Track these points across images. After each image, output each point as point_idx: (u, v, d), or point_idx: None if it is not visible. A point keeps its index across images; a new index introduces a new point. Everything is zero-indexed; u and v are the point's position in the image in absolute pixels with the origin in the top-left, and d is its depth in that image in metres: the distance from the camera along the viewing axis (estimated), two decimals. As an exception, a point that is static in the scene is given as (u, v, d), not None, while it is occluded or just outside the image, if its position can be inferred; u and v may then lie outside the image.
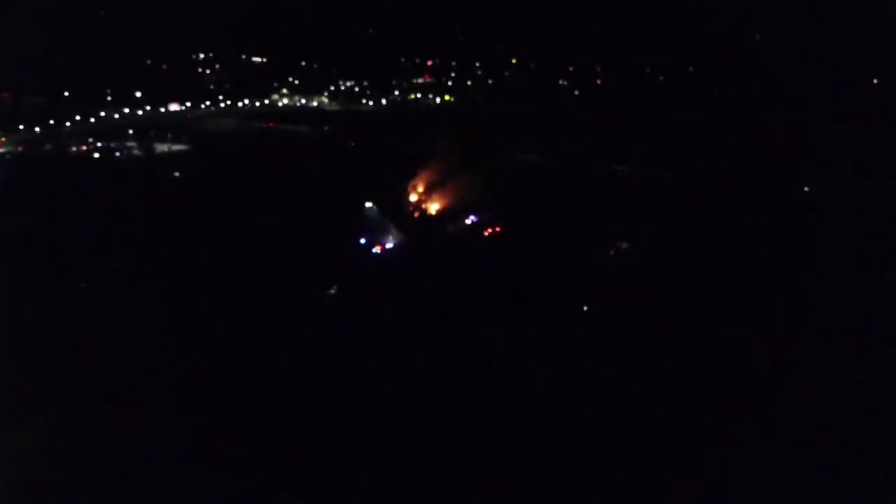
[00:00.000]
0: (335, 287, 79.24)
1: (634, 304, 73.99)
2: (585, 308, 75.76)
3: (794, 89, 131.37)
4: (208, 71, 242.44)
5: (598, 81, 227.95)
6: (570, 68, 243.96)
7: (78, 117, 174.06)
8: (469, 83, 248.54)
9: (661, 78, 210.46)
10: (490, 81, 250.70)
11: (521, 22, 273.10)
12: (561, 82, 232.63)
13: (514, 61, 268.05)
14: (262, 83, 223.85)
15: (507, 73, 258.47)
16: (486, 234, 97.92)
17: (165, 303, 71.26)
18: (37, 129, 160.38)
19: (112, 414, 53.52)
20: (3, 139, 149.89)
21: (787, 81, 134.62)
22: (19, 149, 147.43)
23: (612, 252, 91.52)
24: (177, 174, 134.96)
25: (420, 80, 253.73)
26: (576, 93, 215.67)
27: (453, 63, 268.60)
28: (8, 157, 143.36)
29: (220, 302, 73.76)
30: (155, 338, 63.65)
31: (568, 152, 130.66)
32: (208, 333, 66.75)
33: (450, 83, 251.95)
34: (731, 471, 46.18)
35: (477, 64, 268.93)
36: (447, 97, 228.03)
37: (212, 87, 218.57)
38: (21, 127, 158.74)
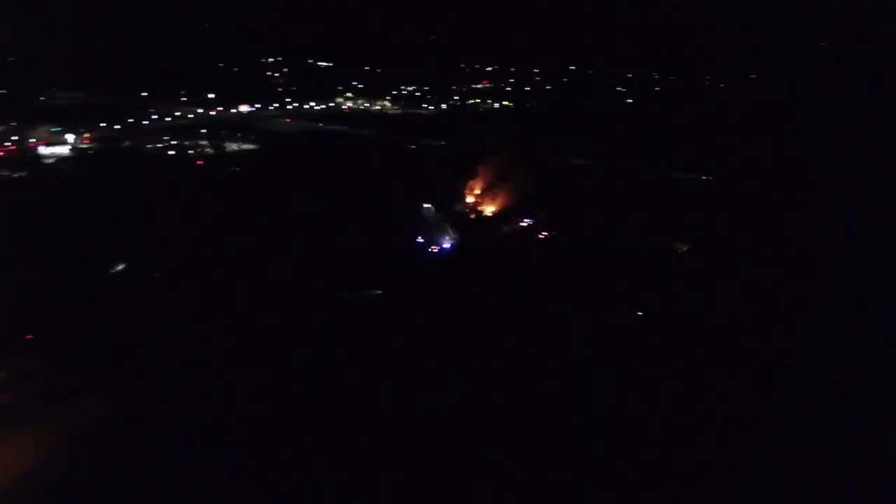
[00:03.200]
0: (379, 288, 78.47)
1: (691, 310, 73.75)
2: (640, 313, 75.58)
3: (857, 97, 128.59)
4: (277, 74, 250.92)
5: (656, 88, 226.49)
6: (629, 75, 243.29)
7: (155, 116, 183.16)
8: (527, 89, 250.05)
9: (721, 86, 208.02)
10: (548, 87, 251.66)
11: (581, 30, 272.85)
12: (618, 88, 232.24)
13: (572, 68, 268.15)
14: (328, 87, 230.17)
15: (565, 80, 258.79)
16: (541, 236, 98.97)
17: (222, 295, 74.70)
18: (117, 126, 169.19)
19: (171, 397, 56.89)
20: (87, 136, 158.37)
21: (851, 90, 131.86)
22: (100, 145, 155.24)
23: (669, 255, 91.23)
24: (237, 169, 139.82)
25: (479, 86, 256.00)
26: (629, 101, 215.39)
27: (512, 69, 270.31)
28: (91, 152, 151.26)
29: (267, 297, 74.95)
30: (210, 328, 67.04)
31: (623, 157, 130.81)
32: (251, 325, 68.11)
33: (508, 89, 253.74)
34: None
35: (535, 70, 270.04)
36: (505, 102, 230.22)
37: (280, 89, 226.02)
38: (103, 125, 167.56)
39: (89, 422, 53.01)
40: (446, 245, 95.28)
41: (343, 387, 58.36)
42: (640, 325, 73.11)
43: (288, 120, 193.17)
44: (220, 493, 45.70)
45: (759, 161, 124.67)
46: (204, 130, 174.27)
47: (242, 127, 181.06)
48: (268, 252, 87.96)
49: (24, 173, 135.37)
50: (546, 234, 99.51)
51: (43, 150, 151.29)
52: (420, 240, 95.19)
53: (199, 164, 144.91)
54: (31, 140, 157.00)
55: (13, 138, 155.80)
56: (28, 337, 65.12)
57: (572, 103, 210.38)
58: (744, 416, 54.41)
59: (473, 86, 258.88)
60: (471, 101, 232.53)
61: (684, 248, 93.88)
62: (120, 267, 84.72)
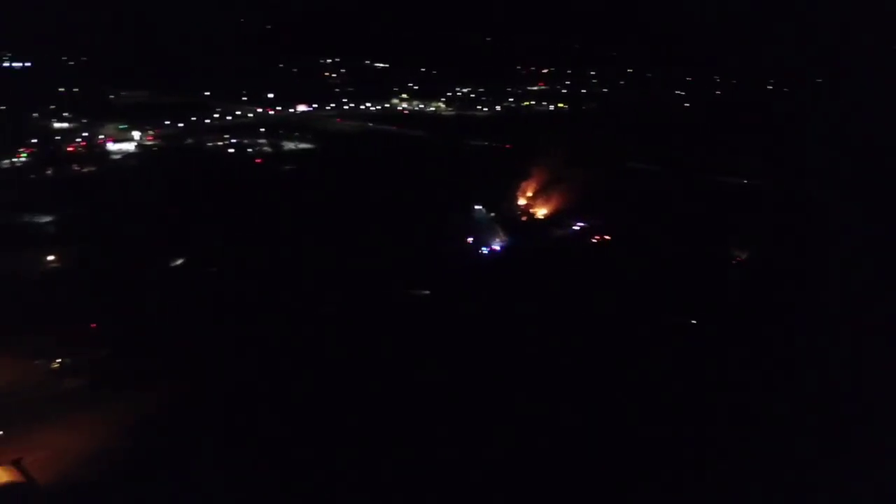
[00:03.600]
0: (428, 289, 78.52)
1: (748, 319, 71.62)
2: (693, 322, 73.62)
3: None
4: (334, 75, 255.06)
5: (717, 92, 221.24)
6: (689, 78, 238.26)
7: (216, 115, 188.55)
8: (583, 91, 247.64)
9: (785, 90, 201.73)
10: (604, 90, 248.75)
11: (638, 32, 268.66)
12: (677, 92, 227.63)
13: (629, 70, 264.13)
14: (384, 88, 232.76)
15: (621, 83, 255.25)
16: (594, 240, 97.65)
17: (275, 291, 75.91)
18: (180, 125, 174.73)
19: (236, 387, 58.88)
20: (152, 134, 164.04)
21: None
22: (163, 143, 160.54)
23: (725, 262, 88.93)
24: (293, 168, 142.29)
25: (534, 88, 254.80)
26: (686, 105, 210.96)
27: (568, 71, 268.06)
28: (155, 149, 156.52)
29: (316, 294, 75.57)
30: (262, 323, 68.20)
31: (681, 161, 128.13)
32: (301, 322, 68.62)
33: (563, 91, 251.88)
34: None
35: (592, 73, 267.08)
36: (560, 104, 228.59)
37: (337, 90, 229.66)
38: (167, 123, 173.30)
39: (147, 410, 54.47)
40: (496, 247, 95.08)
41: (381, 385, 58.21)
42: (692, 333, 71.05)
43: (339, 120, 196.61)
44: (274, 484, 46.51)
45: (828, 167, 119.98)
46: (263, 129, 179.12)
47: (300, 126, 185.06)
48: (320, 251, 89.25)
49: (92, 168, 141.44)
50: (599, 238, 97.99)
51: (111, 146, 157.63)
52: (470, 240, 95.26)
53: (258, 163, 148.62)
54: (100, 137, 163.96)
55: (84, 135, 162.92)
56: (93, 326, 67.88)
57: (629, 106, 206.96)
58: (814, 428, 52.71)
59: (529, 88, 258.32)
60: (526, 103, 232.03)
61: (742, 256, 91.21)
62: (179, 261, 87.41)
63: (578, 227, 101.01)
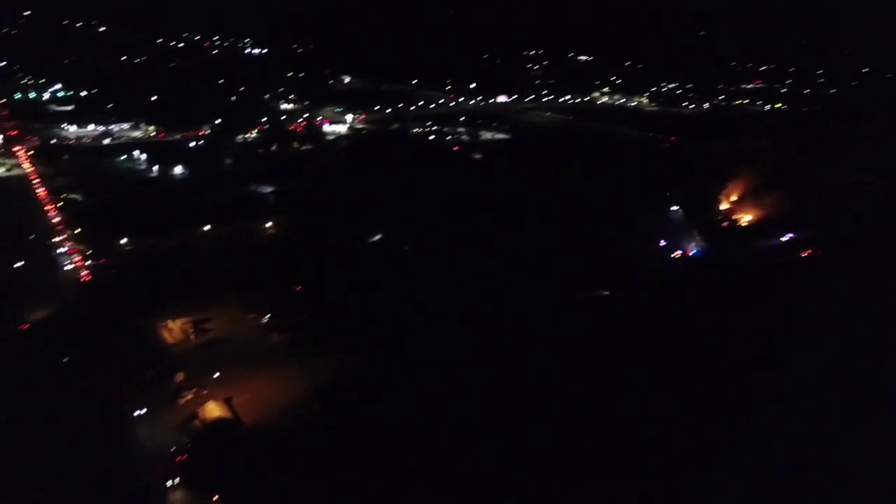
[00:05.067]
0: (607, 289, 75.57)
1: None
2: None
3: None
4: (537, 67, 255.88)
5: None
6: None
7: (421, 103, 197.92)
8: (806, 91, 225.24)
9: None
10: (832, 91, 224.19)
11: (882, 27, 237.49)
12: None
13: (865, 70, 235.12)
14: (586, 81, 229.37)
15: (854, 83, 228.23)
16: (803, 255, 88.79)
17: (462, 276, 77.65)
18: (388, 110, 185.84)
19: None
20: (362, 116, 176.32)
21: None
22: (372, 126, 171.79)
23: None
24: (487, 157, 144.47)
25: (750, 86, 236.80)
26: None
27: (790, 69, 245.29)
28: (364, 132, 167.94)
29: (499, 285, 75.69)
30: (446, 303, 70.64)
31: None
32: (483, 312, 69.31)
33: (783, 90, 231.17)
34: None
35: (819, 71, 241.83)
36: (778, 104, 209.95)
37: (538, 82, 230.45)
38: (376, 108, 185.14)
39: (342, 372, 58.33)
40: (690, 252, 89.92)
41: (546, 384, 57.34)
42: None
43: (535, 112, 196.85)
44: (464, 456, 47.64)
45: None
46: (462, 118, 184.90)
47: (498, 117, 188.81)
48: (506, 239, 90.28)
49: (309, 147, 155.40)
50: (809, 253, 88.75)
51: (326, 127, 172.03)
52: (663, 243, 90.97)
53: (455, 150, 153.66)
54: (318, 118, 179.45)
55: (305, 116, 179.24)
56: (297, 289, 74.74)
57: (861, 111, 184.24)
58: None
59: (743, 85, 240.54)
60: (737, 102, 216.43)
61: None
62: (377, 237, 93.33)
63: (786, 239, 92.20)
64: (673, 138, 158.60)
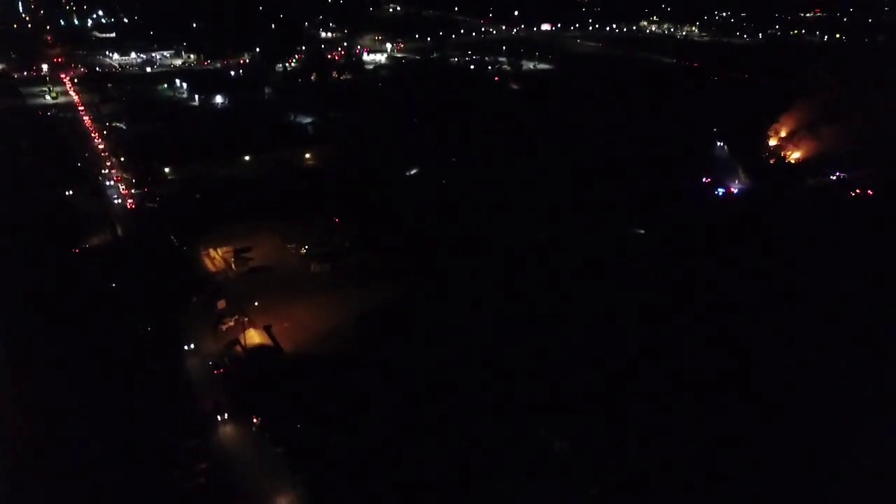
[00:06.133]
0: (644, 228, 73.83)
1: None
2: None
3: None
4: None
5: None
6: None
7: (462, 31, 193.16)
8: (869, 21, 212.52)
9: None
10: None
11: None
12: None
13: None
14: (635, 9, 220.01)
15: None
16: (853, 194, 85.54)
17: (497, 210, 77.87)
18: (429, 39, 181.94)
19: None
20: (402, 44, 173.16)
21: None
22: (411, 55, 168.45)
23: None
24: (524, 87, 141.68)
25: (808, 15, 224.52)
26: None
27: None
28: (404, 61, 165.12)
29: (533, 218, 75.78)
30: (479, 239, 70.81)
31: None
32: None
33: (845, 19, 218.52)
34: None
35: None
36: (839, 35, 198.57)
37: (584, 10, 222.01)
38: (416, 36, 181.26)
39: (380, 301, 58.92)
40: (734, 190, 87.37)
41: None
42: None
43: (579, 41, 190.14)
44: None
45: None
46: (504, 47, 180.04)
47: (541, 46, 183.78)
48: (544, 172, 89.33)
49: (348, 76, 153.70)
50: (860, 192, 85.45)
51: (365, 56, 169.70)
52: (705, 180, 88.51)
53: (496, 80, 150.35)
54: (357, 47, 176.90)
55: (344, 44, 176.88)
56: (336, 220, 75.55)
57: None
58: None
59: (802, 14, 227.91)
60: (794, 32, 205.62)
61: None
62: (414, 170, 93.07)
63: (836, 178, 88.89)
64: (723, 70, 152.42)
